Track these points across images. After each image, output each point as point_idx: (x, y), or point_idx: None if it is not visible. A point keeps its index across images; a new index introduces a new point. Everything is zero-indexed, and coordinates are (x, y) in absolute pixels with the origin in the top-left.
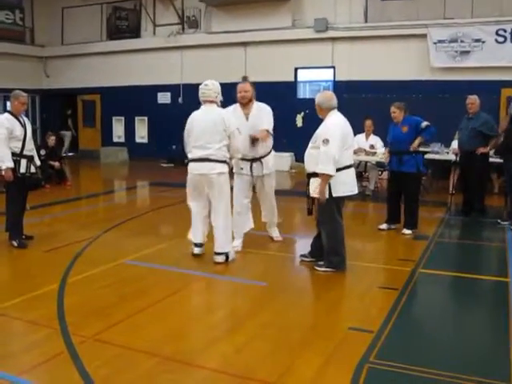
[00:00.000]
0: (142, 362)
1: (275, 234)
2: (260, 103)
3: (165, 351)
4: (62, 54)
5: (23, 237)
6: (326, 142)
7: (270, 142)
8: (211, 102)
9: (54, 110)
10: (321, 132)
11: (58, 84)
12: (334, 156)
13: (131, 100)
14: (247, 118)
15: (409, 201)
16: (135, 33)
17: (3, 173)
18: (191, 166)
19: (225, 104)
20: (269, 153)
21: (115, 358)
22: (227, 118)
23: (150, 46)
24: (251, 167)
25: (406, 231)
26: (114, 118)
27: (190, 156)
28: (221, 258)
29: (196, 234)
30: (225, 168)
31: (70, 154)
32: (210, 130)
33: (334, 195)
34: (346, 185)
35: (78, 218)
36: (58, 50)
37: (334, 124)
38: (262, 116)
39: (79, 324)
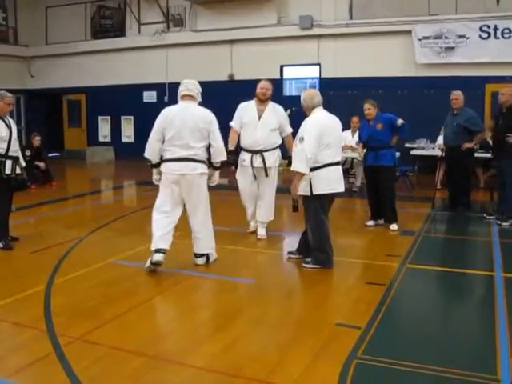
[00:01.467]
0: (130, 362)
1: (261, 232)
2: (275, 104)
3: (152, 350)
4: (46, 53)
5: (9, 238)
6: (301, 139)
7: (278, 138)
8: (192, 97)
9: (38, 111)
10: (300, 130)
11: (42, 84)
12: (306, 154)
13: (117, 99)
14: (260, 117)
15: (387, 195)
16: (120, 32)
17: None
18: (170, 167)
19: (208, 103)
20: (273, 149)
21: (103, 358)
22: (210, 115)
23: (135, 45)
24: (252, 159)
25: (394, 226)
26: (99, 118)
27: (167, 155)
28: (201, 261)
29: (157, 239)
30: (205, 169)
31: (56, 154)
32: (191, 127)
33: (314, 193)
34: (327, 182)
35: (65, 219)
36: (42, 50)
37: (312, 122)
38: (276, 117)
39: (66, 325)
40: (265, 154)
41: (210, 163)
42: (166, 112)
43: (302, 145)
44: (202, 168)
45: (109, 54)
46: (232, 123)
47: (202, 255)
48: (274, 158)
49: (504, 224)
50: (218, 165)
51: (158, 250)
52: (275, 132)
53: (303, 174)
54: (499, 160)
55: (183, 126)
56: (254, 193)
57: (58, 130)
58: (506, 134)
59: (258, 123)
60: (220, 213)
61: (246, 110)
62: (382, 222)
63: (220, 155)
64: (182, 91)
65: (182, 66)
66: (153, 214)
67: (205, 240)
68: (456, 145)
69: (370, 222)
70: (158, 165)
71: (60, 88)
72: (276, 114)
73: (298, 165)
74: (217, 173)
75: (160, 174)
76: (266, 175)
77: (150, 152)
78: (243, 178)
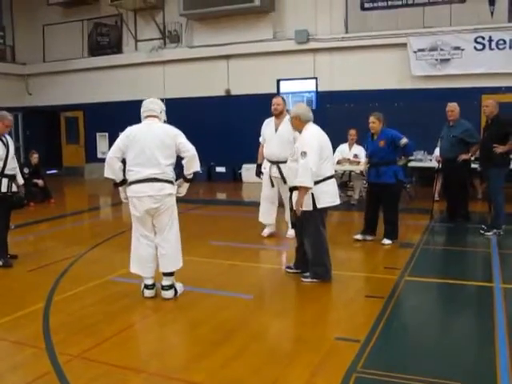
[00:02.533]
0: (129, 379)
1: (289, 232)
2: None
3: (152, 367)
4: (43, 71)
5: (8, 256)
6: (303, 154)
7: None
8: (155, 117)
9: (36, 128)
10: (299, 145)
11: (40, 101)
12: (311, 168)
13: (114, 116)
14: (276, 129)
15: (388, 211)
16: (117, 48)
17: None
18: (133, 189)
19: (206, 118)
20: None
21: (102, 376)
22: (174, 130)
23: (132, 62)
24: (270, 169)
25: (386, 241)
26: (97, 134)
27: (132, 177)
28: (170, 294)
29: (145, 273)
30: (173, 189)
31: (54, 171)
32: (157, 144)
33: (318, 207)
34: (328, 195)
35: (63, 236)
36: (40, 68)
37: (311, 136)
38: (291, 129)
39: (65, 343)
40: (281, 165)
41: (181, 175)
42: (129, 130)
43: (305, 159)
44: (170, 188)
45: (106, 71)
46: (260, 139)
47: (170, 287)
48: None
49: (487, 234)
50: (190, 177)
51: (147, 287)
52: (291, 144)
53: (308, 189)
54: (486, 170)
55: (148, 142)
56: (270, 198)
57: (56, 147)
58: (493, 144)
59: (275, 136)
60: (219, 228)
61: (267, 125)
62: (370, 238)
63: (194, 165)
64: (144, 112)
65: (179, 81)
66: (132, 239)
67: (173, 258)
68: (452, 156)
69: (358, 236)
70: (122, 182)
71: (58, 105)
72: (289, 126)
73: (303, 180)
74: (186, 185)
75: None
76: (285, 182)
77: (110, 171)
78: (264, 183)
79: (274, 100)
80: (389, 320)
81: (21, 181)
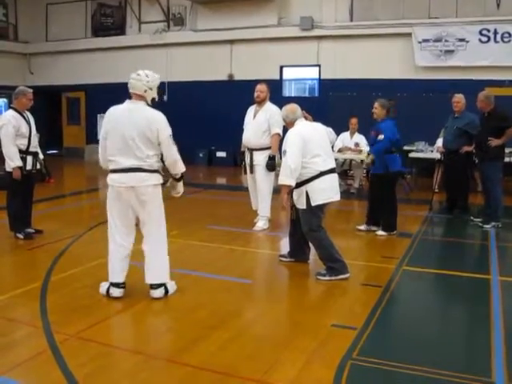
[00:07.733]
0: (125, 360)
1: (258, 223)
2: (270, 104)
3: (148, 349)
4: (46, 50)
5: (33, 231)
6: (284, 153)
7: (269, 140)
8: (138, 96)
9: (38, 108)
10: (283, 144)
11: (42, 81)
12: (290, 165)
13: (116, 97)
14: (254, 116)
15: (380, 202)
16: (120, 30)
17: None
18: (114, 178)
19: (208, 103)
20: (262, 149)
21: (98, 356)
22: (157, 121)
23: (135, 44)
24: (246, 155)
25: (379, 232)
26: (98, 116)
27: (112, 166)
28: (159, 293)
29: (115, 272)
30: (159, 180)
31: (54, 151)
32: (138, 133)
33: (312, 204)
34: (324, 192)
35: (62, 216)
36: (43, 47)
37: (293, 134)
38: (269, 117)
39: (62, 322)
40: (254, 152)
41: (170, 174)
42: (108, 115)
43: (285, 158)
44: (156, 179)
45: (109, 52)
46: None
47: (158, 286)
48: (261, 157)
49: (486, 226)
50: (178, 176)
51: (115, 285)
52: (267, 133)
53: (289, 186)
54: (481, 163)
55: (129, 131)
56: (252, 186)
57: (57, 128)
58: (488, 138)
59: (252, 122)
60: (218, 212)
61: (249, 111)
62: (375, 228)
63: (176, 168)
64: (129, 88)
65: (182, 65)
66: (109, 242)
67: (156, 269)
68: (455, 148)
69: (361, 227)
70: None
71: (59, 85)
72: (266, 113)
73: (283, 178)
74: (179, 184)
75: None
76: (250, 172)
77: (102, 161)
78: (244, 171)
79: (258, 87)
80: (385, 308)
81: (41, 156)
